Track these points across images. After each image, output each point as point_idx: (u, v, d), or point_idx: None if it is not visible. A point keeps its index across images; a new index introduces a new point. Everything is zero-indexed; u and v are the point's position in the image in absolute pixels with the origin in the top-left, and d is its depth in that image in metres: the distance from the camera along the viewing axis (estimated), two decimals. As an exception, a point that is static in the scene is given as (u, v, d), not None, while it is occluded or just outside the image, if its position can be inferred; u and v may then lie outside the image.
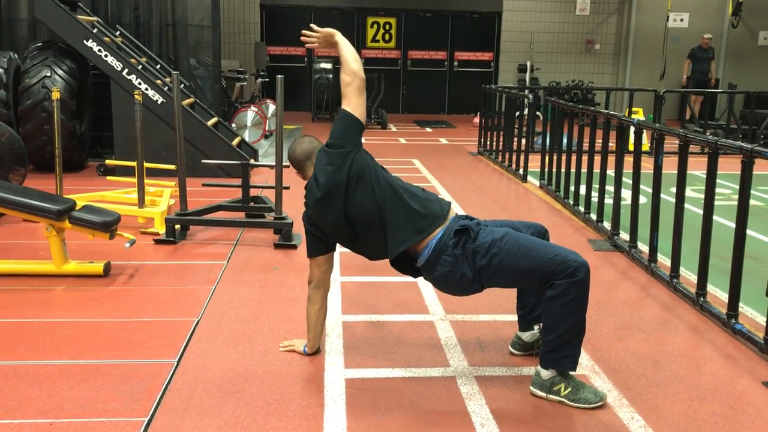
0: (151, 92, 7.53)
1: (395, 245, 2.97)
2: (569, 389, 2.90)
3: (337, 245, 3.21)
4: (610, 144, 5.61)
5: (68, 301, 4.00)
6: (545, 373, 2.93)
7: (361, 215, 2.97)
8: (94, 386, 2.96)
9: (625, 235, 5.22)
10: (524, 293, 3.30)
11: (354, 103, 3.02)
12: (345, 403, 2.89)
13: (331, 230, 3.07)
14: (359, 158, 2.99)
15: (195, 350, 3.35)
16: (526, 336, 3.36)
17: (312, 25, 3.24)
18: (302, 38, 3.22)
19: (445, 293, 3.14)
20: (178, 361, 3.22)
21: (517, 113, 8.94)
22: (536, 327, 3.34)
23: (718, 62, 16.06)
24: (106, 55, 7.50)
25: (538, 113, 9.87)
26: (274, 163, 5.27)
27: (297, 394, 2.96)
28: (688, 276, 4.47)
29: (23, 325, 3.60)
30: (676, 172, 4.28)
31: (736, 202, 3.63)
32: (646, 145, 9.56)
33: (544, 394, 2.94)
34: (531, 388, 2.98)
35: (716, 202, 3.96)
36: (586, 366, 3.28)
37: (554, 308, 2.81)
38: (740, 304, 3.71)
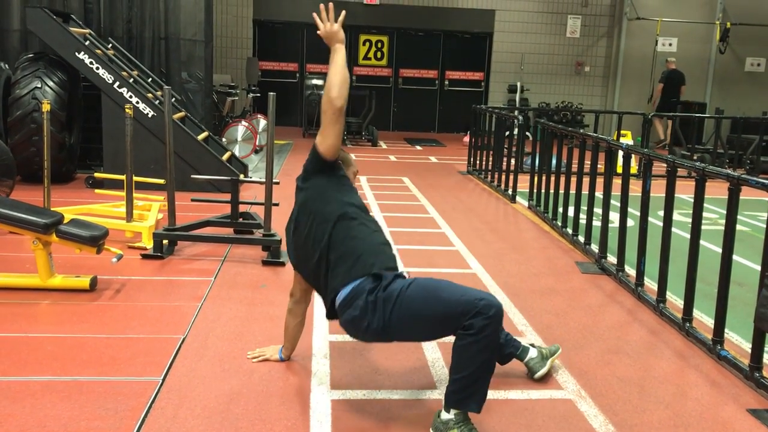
0: (141, 105, 7.53)
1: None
2: None
3: None
4: (598, 166, 5.65)
5: (53, 316, 3.97)
6: (445, 416, 2.74)
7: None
8: (77, 404, 2.93)
9: (612, 258, 5.24)
10: None
11: (325, 133, 2.96)
12: (330, 425, 2.88)
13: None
14: (310, 199, 3.02)
15: (180, 368, 3.32)
16: (530, 355, 3.37)
17: (329, 5, 3.08)
18: (317, 13, 3.11)
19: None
20: (163, 379, 3.19)
21: (507, 133, 8.99)
22: (530, 348, 3.40)
23: (705, 87, 16.26)
24: (97, 68, 7.50)
25: (527, 134, 9.94)
26: (263, 179, 5.27)
27: (282, 414, 2.94)
28: (675, 301, 4.50)
29: (6, 340, 3.56)
30: (663, 195, 4.31)
31: (722, 227, 3.66)
32: (634, 168, 9.63)
33: None
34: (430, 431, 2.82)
35: (703, 227, 4.00)
36: (572, 390, 3.28)
37: (464, 346, 2.66)
38: (726, 330, 3.73)
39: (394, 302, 2.75)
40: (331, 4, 3.08)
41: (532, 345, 3.46)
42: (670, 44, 16.03)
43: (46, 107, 5.42)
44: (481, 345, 2.64)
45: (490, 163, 9.30)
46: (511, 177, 8.28)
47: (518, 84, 15.61)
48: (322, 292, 3.04)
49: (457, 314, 2.66)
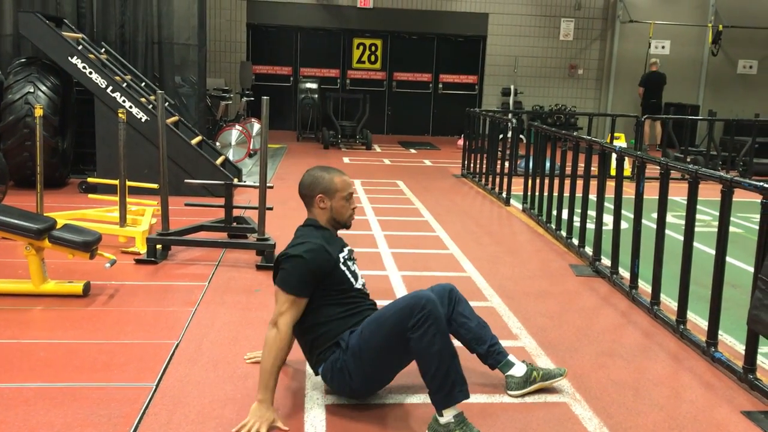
0: (135, 110, 7.51)
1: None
2: None
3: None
4: (592, 169, 5.66)
5: (46, 322, 3.95)
6: (443, 419, 2.76)
7: None
8: (70, 410, 2.92)
9: (606, 261, 5.25)
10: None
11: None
12: (325, 430, 2.87)
13: None
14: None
15: (174, 374, 3.31)
16: (512, 371, 3.26)
17: None
18: None
19: None
20: (157, 385, 3.18)
21: (501, 136, 9.01)
22: (517, 364, 3.28)
23: (698, 89, 16.34)
24: (90, 72, 7.47)
25: (521, 137, 9.95)
26: (257, 183, 5.26)
27: (277, 419, 2.93)
28: (669, 303, 4.50)
29: (-1, 346, 3.54)
30: (657, 197, 4.32)
31: (715, 229, 3.68)
32: (627, 170, 9.66)
33: None
34: None
35: (696, 229, 4.01)
36: (567, 393, 3.28)
37: (416, 344, 2.77)
38: (720, 332, 3.74)
39: (360, 355, 2.92)
40: None
41: (524, 361, 3.30)
42: (663, 47, 16.09)
43: (38, 112, 5.41)
44: (429, 335, 2.75)
45: (484, 166, 9.31)
46: (505, 180, 8.29)
47: (512, 87, 15.64)
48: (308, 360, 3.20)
49: (400, 322, 2.81)
